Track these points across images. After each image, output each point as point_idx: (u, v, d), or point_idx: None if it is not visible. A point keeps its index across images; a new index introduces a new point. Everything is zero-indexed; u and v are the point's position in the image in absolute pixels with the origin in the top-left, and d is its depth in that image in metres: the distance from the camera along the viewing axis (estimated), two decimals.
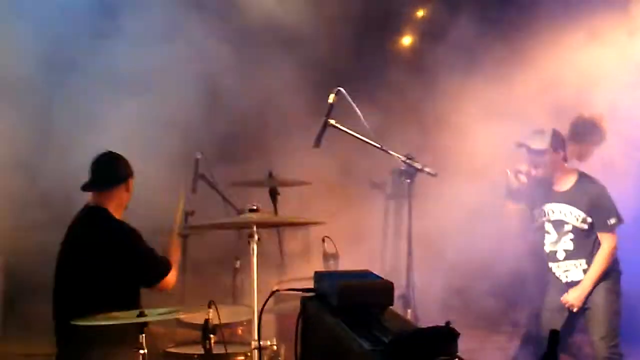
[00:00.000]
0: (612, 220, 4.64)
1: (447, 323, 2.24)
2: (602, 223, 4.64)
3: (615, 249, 4.67)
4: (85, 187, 4.22)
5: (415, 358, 2.13)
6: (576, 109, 5.34)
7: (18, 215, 5.45)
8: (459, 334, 2.18)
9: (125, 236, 4.11)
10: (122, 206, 4.24)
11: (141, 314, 3.48)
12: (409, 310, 3.91)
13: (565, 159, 4.83)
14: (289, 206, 5.16)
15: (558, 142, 4.77)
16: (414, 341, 2.19)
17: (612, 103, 5.47)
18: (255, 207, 3.88)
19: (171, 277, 4.18)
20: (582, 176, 4.81)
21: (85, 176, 4.21)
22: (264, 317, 3.80)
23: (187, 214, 5.23)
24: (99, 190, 4.20)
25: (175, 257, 4.33)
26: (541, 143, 4.71)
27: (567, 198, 4.74)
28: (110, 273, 4.00)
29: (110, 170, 4.23)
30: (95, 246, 4.05)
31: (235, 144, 6.39)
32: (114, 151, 4.29)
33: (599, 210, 4.65)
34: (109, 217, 4.15)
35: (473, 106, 5.83)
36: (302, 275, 4.22)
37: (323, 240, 4.64)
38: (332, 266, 4.50)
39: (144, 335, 3.43)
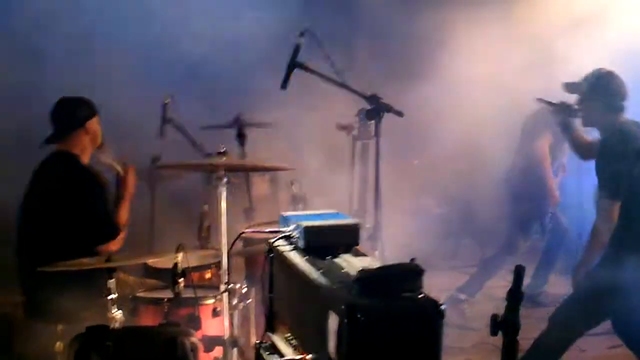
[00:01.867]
0: None
1: (412, 260, 2.26)
2: None
3: None
4: (45, 141, 4.10)
5: (380, 294, 2.15)
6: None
7: None
8: (424, 270, 2.21)
9: (86, 182, 4.01)
10: (87, 149, 4.12)
11: (109, 259, 3.48)
12: (377, 251, 3.93)
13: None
14: (257, 149, 5.13)
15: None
16: (379, 277, 2.22)
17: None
18: (223, 150, 3.85)
19: (114, 243, 4.03)
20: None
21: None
22: (233, 260, 3.82)
23: (154, 159, 5.20)
24: (56, 140, 4.09)
25: (124, 216, 4.15)
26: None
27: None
28: (73, 219, 3.92)
29: (64, 116, 4.09)
30: (58, 191, 3.96)
31: (202, 88, 6.30)
32: (69, 96, 4.14)
33: None
34: (73, 161, 4.05)
35: (445, 46, 5.80)
36: (271, 218, 4.22)
37: (291, 183, 4.65)
38: (300, 208, 4.53)
39: (112, 280, 3.42)
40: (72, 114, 4.10)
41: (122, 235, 4.10)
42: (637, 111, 4.20)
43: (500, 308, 2.07)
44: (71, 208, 3.92)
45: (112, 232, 4.04)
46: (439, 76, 5.60)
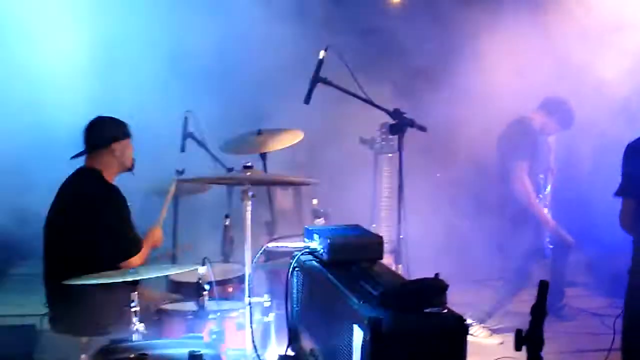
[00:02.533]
0: None
1: (436, 275, 2.26)
2: None
3: None
4: (74, 155, 4.16)
5: (404, 309, 2.15)
6: None
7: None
8: (448, 285, 2.21)
9: (106, 199, 4.03)
10: (113, 169, 4.16)
11: (133, 272, 3.50)
12: (400, 265, 3.93)
13: None
14: (279, 163, 5.14)
15: None
16: (403, 293, 2.22)
17: None
18: (249, 164, 3.86)
19: (135, 259, 4.06)
20: None
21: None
22: (255, 273, 3.83)
23: (178, 173, 5.22)
24: (82, 154, 4.15)
25: (150, 242, 4.23)
26: None
27: None
28: (95, 233, 3.94)
29: (92, 134, 4.16)
30: (78, 206, 4.00)
31: (223, 103, 6.34)
32: (104, 115, 4.21)
33: None
34: (96, 177, 4.09)
35: (470, 59, 5.80)
36: (293, 231, 4.23)
37: (313, 199, 4.66)
38: (322, 222, 4.53)
39: (136, 293, 3.45)
40: (99, 133, 4.16)
41: (144, 251, 4.13)
42: None
43: (521, 323, 2.07)
44: (91, 222, 3.95)
45: (132, 247, 4.07)
46: (464, 89, 5.60)
